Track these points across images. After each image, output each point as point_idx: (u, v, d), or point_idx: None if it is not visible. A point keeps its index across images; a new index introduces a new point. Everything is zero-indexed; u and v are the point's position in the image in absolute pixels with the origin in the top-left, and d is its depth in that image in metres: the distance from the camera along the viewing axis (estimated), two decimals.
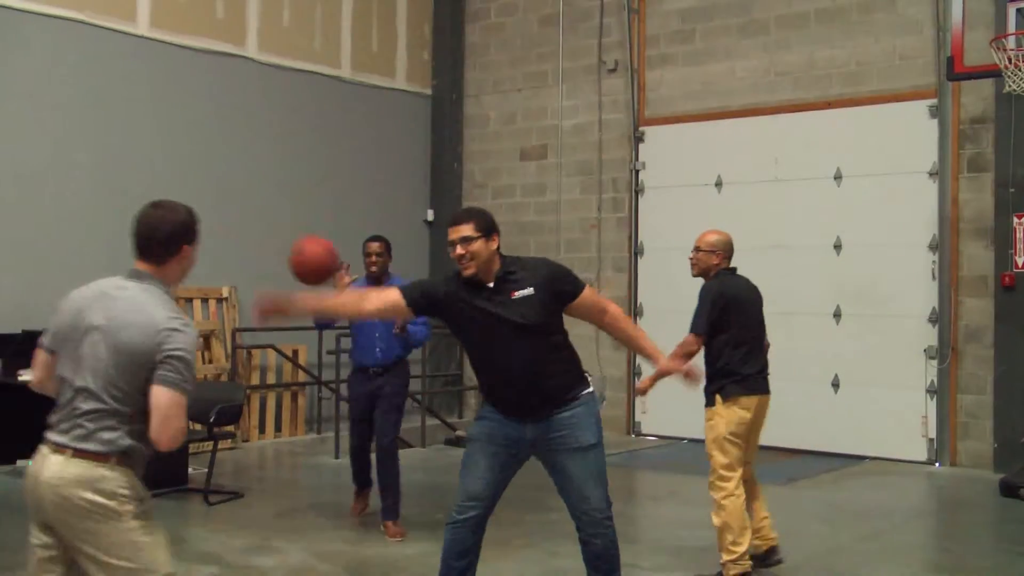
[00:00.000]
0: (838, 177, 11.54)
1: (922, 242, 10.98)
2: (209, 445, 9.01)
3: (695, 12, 12.59)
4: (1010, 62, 8.75)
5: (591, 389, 5.13)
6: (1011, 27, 9.13)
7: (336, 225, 12.70)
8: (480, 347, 5.06)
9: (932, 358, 10.87)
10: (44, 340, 3.78)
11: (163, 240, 3.70)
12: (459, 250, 4.90)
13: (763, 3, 12.10)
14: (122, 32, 11.06)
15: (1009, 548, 7.55)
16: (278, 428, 12.09)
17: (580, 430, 4.97)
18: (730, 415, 6.24)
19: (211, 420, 8.60)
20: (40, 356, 3.79)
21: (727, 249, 6.60)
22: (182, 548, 7.10)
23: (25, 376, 7.80)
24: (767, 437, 11.22)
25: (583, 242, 13.39)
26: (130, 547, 3.54)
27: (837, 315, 11.46)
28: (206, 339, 11.46)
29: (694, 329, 6.32)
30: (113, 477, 3.54)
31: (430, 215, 14.21)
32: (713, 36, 12.46)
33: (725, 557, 6.21)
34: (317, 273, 5.39)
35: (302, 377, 12.21)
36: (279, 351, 11.90)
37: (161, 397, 3.49)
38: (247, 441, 11.61)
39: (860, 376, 11.26)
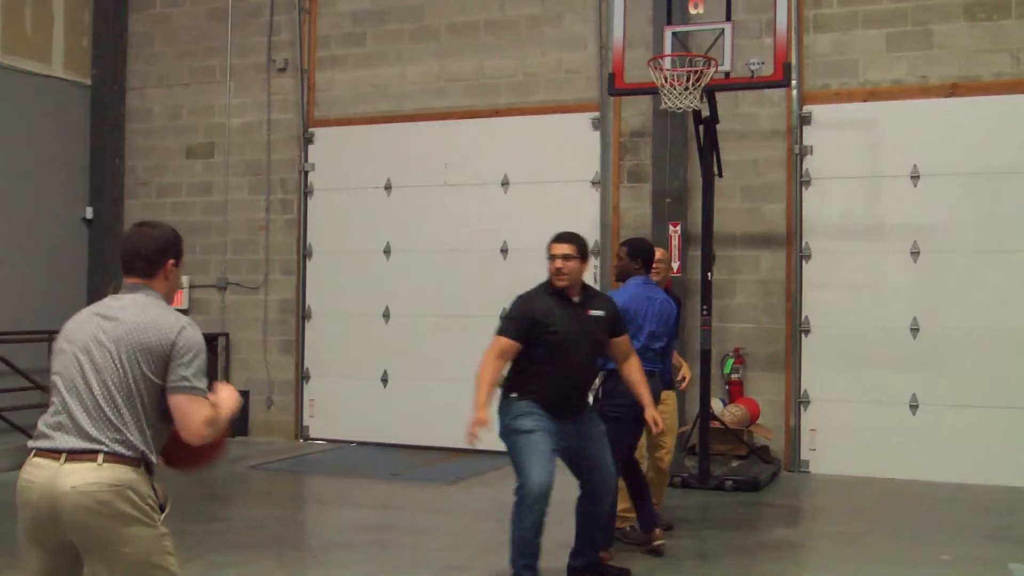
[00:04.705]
0: (505, 183, 11.85)
1: None
2: None
3: (367, 15, 12.58)
4: (666, 81, 9.26)
5: None
6: (667, 49, 9.67)
7: None
8: (555, 352, 6.01)
9: None
10: None
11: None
12: (558, 264, 6.09)
13: (434, 10, 12.26)
14: None
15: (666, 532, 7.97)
16: None
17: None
18: None
19: None
20: None
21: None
22: None
23: None
24: (435, 438, 11.31)
25: (251, 243, 13.08)
26: None
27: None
28: None
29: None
30: None
31: (89, 213, 13.34)
32: (385, 40, 12.49)
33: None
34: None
35: None
36: None
37: None
38: None
39: None
